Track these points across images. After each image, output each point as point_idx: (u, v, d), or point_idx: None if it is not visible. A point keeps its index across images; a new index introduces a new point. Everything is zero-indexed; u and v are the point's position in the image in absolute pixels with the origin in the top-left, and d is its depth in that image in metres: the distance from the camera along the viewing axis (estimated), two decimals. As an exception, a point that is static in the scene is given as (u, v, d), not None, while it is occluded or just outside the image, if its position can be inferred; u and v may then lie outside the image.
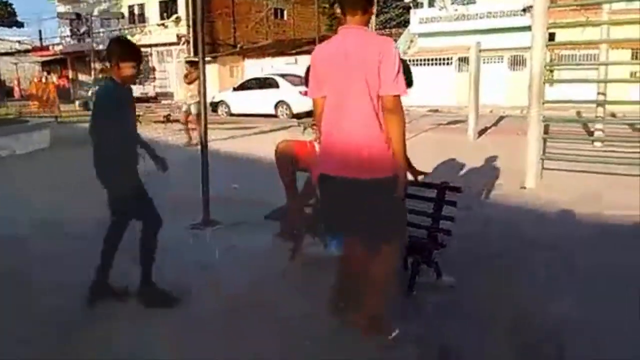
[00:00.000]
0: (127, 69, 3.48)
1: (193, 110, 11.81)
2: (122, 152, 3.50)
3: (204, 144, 5.62)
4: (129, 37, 36.79)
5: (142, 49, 21.35)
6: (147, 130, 15.62)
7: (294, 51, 30.60)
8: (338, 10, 2.96)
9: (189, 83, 12.10)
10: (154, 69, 37.30)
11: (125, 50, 3.53)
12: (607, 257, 4.49)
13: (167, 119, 17.34)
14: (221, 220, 5.47)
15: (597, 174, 7.44)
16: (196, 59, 11.45)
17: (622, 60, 18.97)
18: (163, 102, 32.86)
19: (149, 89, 34.69)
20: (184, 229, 5.28)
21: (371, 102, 2.79)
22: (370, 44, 2.81)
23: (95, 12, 33.63)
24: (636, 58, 19.67)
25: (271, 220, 4.06)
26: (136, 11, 37.45)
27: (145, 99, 32.11)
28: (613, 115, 15.57)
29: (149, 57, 37.36)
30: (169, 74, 36.63)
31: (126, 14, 37.48)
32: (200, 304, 3.63)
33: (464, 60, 24.54)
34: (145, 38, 36.48)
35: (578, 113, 16.62)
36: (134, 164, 3.62)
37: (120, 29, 37.55)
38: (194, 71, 11.86)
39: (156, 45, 36.15)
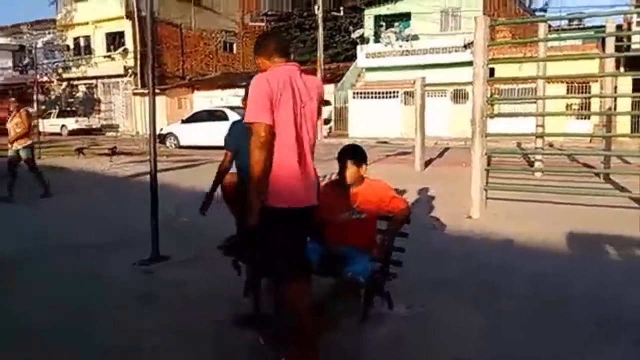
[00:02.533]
0: None
1: (23, 154, 9.53)
2: None
3: (153, 175, 5.55)
4: (73, 69, 36.29)
5: (88, 81, 21.12)
6: (91, 163, 15.28)
7: (243, 83, 30.66)
8: (261, 60, 3.05)
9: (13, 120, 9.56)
10: (99, 101, 36.67)
11: None
12: (552, 285, 4.67)
13: (113, 152, 16.98)
14: (171, 255, 5.39)
15: (538, 202, 7.73)
16: (13, 99, 9.86)
17: (557, 95, 19.94)
18: (108, 134, 32.25)
19: (94, 121, 34.01)
20: (132, 265, 5.16)
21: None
22: (316, 84, 3.09)
23: (39, 44, 32.90)
24: (571, 92, 20.74)
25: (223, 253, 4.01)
26: (82, 43, 36.94)
27: (89, 131, 31.44)
28: (550, 145, 16.29)
29: (95, 89, 36.77)
30: (114, 105, 36.10)
31: (71, 46, 36.90)
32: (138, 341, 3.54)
33: (409, 93, 25.22)
34: (91, 70, 35.94)
35: (518, 144, 17.27)
36: None
37: (65, 61, 36.89)
38: (18, 110, 9.63)
39: (102, 77, 35.66)
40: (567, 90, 20.70)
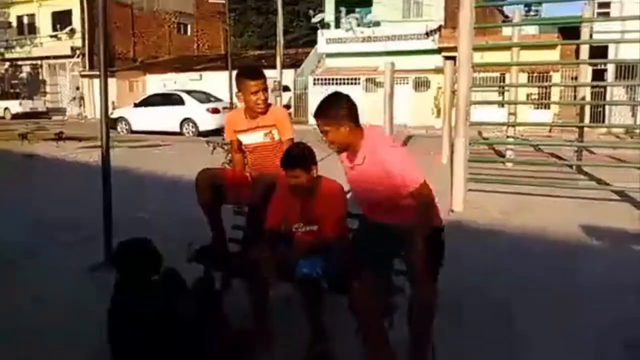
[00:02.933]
0: None
1: None
2: None
3: (106, 165, 4.87)
4: (17, 48, 34.36)
5: (32, 61, 19.84)
6: (37, 149, 14.28)
7: (199, 67, 29.71)
8: (351, 125, 2.93)
9: None
10: (45, 83, 34.87)
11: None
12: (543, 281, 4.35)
13: (60, 137, 15.94)
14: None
15: (514, 194, 7.48)
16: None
17: (534, 84, 19.94)
18: (54, 118, 30.66)
19: (39, 104, 32.22)
20: (83, 271, 4.49)
21: None
22: None
23: (-22, 21, 30.99)
24: (531, 81, 20.77)
25: (195, 263, 3.41)
26: (26, 21, 34.95)
27: (34, 115, 29.76)
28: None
29: (40, 70, 34.97)
30: (61, 88, 34.42)
31: (14, 24, 34.93)
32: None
33: (371, 80, 24.84)
34: (36, 50, 34.12)
35: (480, 133, 17.11)
36: None
37: (7, 40, 34.90)
38: None
39: (48, 57, 33.88)
40: (528, 79, 20.70)
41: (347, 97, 2.97)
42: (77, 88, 31.92)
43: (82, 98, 31.23)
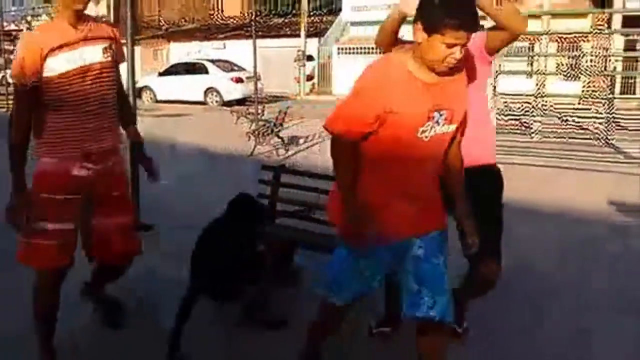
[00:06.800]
0: None
1: None
2: None
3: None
4: (44, 16, 34.62)
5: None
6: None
7: (222, 36, 29.62)
8: None
9: None
10: (71, 51, 35.21)
11: None
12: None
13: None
14: (155, 224, 4.87)
15: (537, 167, 7.44)
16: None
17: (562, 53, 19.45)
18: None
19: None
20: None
21: None
22: None
23: (5, -11, 31.21)
24: (560, 51, 20.23)
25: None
26: (51, -11, 35.14)
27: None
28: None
29: (66, 38, 35.28)
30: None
31: (40, -9, 35.22)
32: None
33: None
34: (62, 18, 34.34)
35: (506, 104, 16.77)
36: None
37: (34, 8, 35.12)
38: None
39: (73, 25, 34.10)
40: (557, 48, 20.16)
41: None
42: None
43: None
